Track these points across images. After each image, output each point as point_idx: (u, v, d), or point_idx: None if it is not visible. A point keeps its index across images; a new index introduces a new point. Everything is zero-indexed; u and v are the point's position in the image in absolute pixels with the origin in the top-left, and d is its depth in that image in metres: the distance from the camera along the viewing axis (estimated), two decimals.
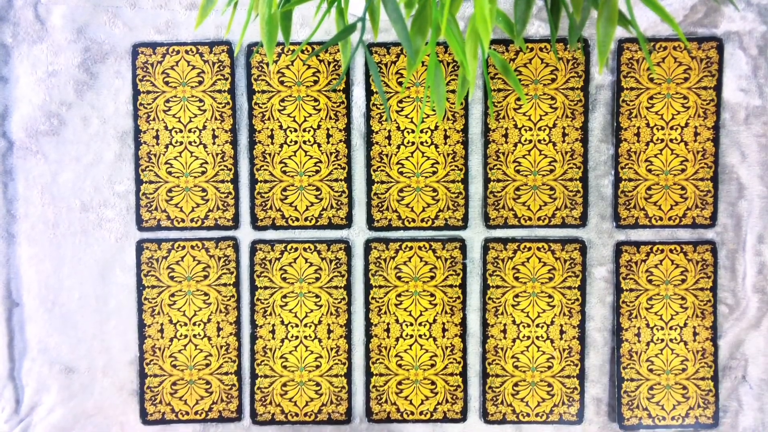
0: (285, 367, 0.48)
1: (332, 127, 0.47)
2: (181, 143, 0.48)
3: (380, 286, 0.48)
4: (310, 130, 0.48)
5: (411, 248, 0.47)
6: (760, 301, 0.47)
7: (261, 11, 0.28)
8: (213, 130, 0.48)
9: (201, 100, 0.48)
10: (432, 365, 0.48)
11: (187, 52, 0.48)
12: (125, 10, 0.48)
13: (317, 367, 0.48)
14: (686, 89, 0.47)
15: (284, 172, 0.48)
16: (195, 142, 0.48)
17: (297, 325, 0.48)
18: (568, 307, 0.47)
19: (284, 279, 0.48)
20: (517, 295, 0.47)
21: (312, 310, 0.48)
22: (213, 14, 0.48)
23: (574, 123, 0.47)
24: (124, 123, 0.48)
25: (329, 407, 0.48)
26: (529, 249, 0.47)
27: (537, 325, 0.47)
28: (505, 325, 0.47)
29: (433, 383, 0.48)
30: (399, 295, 0.47)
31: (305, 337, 0.48)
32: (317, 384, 0.48)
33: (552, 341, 0.47)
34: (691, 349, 0.47)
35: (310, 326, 0.48)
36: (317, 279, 0.48)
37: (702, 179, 0.47)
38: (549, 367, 0.47)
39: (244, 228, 0.48)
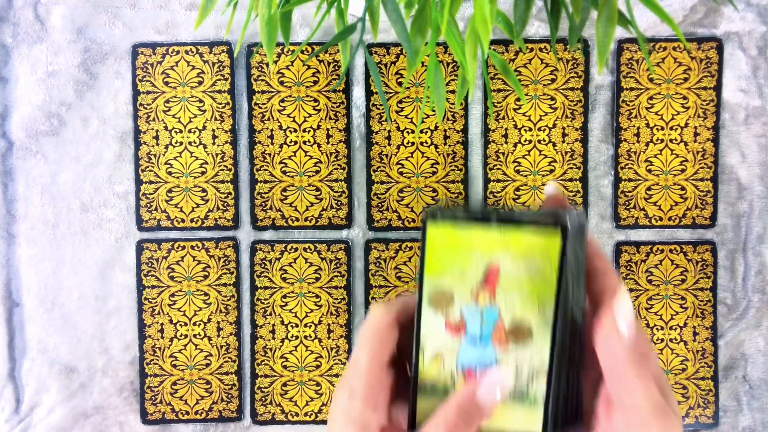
0: (285, 367, 0.48)
1: (332, 128, 0.47)
2: (181, 143, 0.48)
3: (380, 286, 0.48)
4: (309, 131, 0.48)
5: (411, 248, 0.47)
6: (760, 301, 0.47)
7: (261, 12, 0.28)
8: (213, 130, 0.48)
9: (201, 101, 0.48)
10: None
11: (186, 52, 0.48)
12: (125, 10, 0.48)
13: (317, 367, 0.48)
14: (686, 89, 0.47)
15: (284, 173, 0.48)
16: (195, 143, 0.48)
17: (297, 325, 0.48)
18: None
19: (284, 279, 0.48)
20: None
21: (312, 310, 0.48)
22: (213, 15, 0.48)
23: (574, 123, 0.47)
24: (123, 123, 0.48)
25: (329, 407, 0.48)
26: None
27: None
28: None
29: None
30: (399, 295, 0.47)
31: (305, 337, 0.48)
32: (317, 384, 0.48)
33: None
34: (691, 349, 0.47)
35: (310, 326, 0.48)
36: (317, 279, 0.48)
37: (702, 179, 0.47)
38: None
39: (244, 228, 0.48)
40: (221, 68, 0.48)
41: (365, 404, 0.32)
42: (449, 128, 0.47)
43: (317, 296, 0.48)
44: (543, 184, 0.47)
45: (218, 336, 0.48)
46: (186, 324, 0.48)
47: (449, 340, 0.35)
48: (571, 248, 0.33)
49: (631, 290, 0.47)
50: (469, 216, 0.33)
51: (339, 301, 0.48)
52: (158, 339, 0.48)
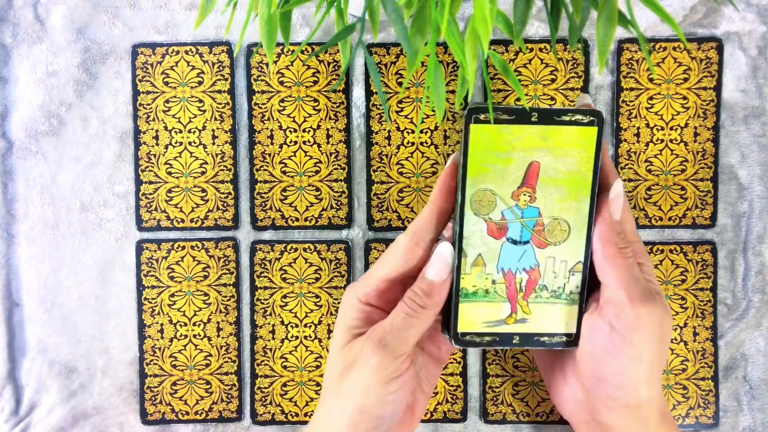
0: (285, 367, 0.48)
1: (332, 128, 0.47)
2: (181, 143, 0.48)
3: None
4: (309, 131, 0.48)
5: None
6: (760, 301, 0.47)
7: (260, 11, 0.28)
8: (213, 130, 0.48)
9: (201, 101, 0.48)
10: None
11: (186, 52, 0.48)
12: (125, 10, 0.48)
13: (317, 367, 0.48)
14: (686, 90, 0.47)
15: (284, 173, 0.48)
16: (195, 143, 0.48)
17: (297, 326, 0.48)
18: None
19: (284, 279, 0.48)
20: None
21: (312, 311, 0.48)
22: (212, 15, 0.48)
23: None
24: (123, 123, 0.48)
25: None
26: None
27: None
28: None
29: None
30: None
31: (305, 338, 0.48)
32: (317, 384, 0.48)
33: None
34: (691, 349, 0.47)
35: (310, 326, 0.48)
36: (317, 279, 0.48)
37: (702, 179, 0.47)
38: None
39: (244, 228, 0.48)
40: (221, 68, 0.48)
41: (354, 295, 0.38)
42: (449, 128, 0.47)
43: (317, 296, 0.48)
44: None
45: (218, 336, 0.48)
46: (186, 324, 0.48)
47: (490, 243, 0.36)
48: (602, 143, 0.34)
49: None
50: (510, 115, 0.34)
51: (339, 301, 0.48)
52: (158, 339, 0.48)
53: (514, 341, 0.37)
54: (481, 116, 0.34)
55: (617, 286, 0.34)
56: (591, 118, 0.34)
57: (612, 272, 0.34)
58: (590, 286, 0.37)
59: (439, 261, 0.35)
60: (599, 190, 0.35)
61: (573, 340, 0.37)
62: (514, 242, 0.36)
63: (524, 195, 0.35)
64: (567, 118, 0.34)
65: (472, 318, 0.37)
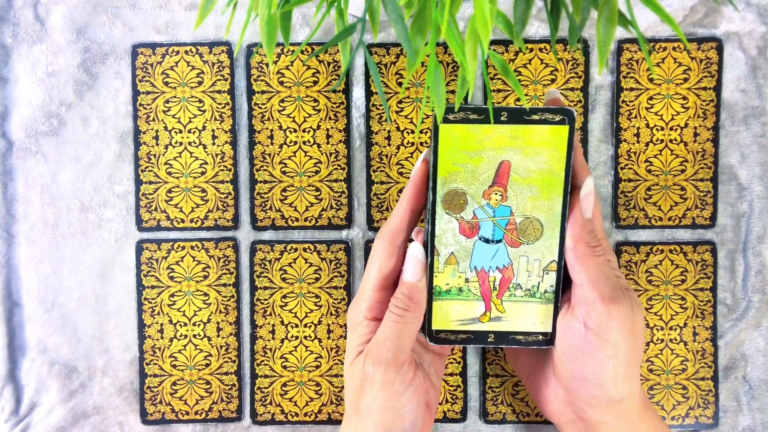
0: (285, 367, 0.48)
1: (332, 128, 0.47)
2: (181, 144, 0.48)
3: None
4: (309, 131, 0.48)
5: None
6: (760, 301, 0.47)
7: (261, 12, 0.28)
8: (213, 130, 0.48)
9: (201, 101, 0.48)
10: None
11: (186, 52, 0.48)
12: (125, 10, 0.48)
13: (317, 367, 0.48)
14: (686, 90, 0.47)
15: (284, 173, 0.48)
16: (195, 143, 0.48)
17: (297, 326, 0.48)
18: None
19: (284, 279, 0.48)
20: None
21: (312, 311, 0.48)
22: (212, 15, 0.48)
23: None
24: (123, 123, 0.48)
25: (329, 407, 0.48)
26: None
27: None
28: None
29: None
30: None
31: (305, 338, 0.48)
32: (317, 384, 0.48)
33: None
34: (691, 350, 0.47)
35: (310, 326, 0.48)
36: (317, 279, 0.48)
37: (702, 180, 0.47)
38: None
39: (244, 228, 0.48)
40: (221, 68, 0.48)
41: (360, 309, 0.38)
42: None
43: (317, 296, 0.48)
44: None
45: (218, 336, 0.48)
46: (186, 324, 0.48)
47: (463, 242, 0.36)
48: (574, 141, 0.34)
49: None
50: (479, 114, 0.34)
51: (339, 301, 0.48)
52: (158, 339, 0.48)
53: (489, 339, 0.37)
54: (450, 116, 0.34)
55: (588, 285, 0.34)
56: (562, 117, 0.34)
57: (583, 271, 0.35)
58: (564, 285, 0.37)
59: (412, 262, 0.36)
60: (572, 188, 0.35)
61: (549, 338, 0.37)
62: (487, 241, 0.36)
63: (495, 194, 0.35)
64: (537, 117, 0.34)
65: (446, 316, 0.37)
